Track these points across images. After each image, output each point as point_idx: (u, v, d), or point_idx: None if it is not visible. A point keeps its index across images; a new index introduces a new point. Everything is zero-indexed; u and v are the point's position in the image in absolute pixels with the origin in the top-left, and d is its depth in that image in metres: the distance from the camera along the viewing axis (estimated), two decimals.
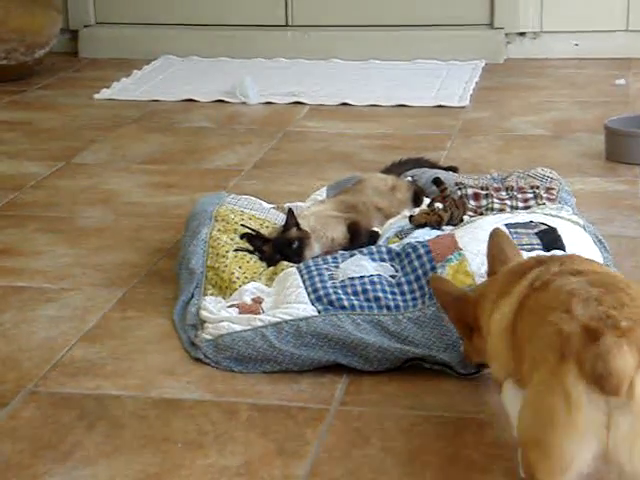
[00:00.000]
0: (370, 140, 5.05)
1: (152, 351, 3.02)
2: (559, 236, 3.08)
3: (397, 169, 3.98)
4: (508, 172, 3.66)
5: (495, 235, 2.62)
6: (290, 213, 3.42)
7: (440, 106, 5.60)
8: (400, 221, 3.54)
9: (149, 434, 2.61)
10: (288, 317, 2.92)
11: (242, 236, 3.42)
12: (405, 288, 3.01)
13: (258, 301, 3.08)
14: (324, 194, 3.89)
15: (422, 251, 3.08)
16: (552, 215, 3.28)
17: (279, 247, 3.34)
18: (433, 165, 4.10)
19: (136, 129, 5.40)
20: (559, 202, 3.46)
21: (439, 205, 3.47)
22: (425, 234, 3.29)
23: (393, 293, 2.98)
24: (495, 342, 2.35)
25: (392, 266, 3.10)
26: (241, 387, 2.82)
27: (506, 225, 3.11)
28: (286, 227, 3.40)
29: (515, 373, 2.24)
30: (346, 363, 2.82)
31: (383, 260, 3.13)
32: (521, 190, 3.54)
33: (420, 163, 4.08)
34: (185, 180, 4.55)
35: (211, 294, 3.18)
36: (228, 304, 3.09)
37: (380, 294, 2.96)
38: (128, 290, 3.43)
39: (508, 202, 3.49)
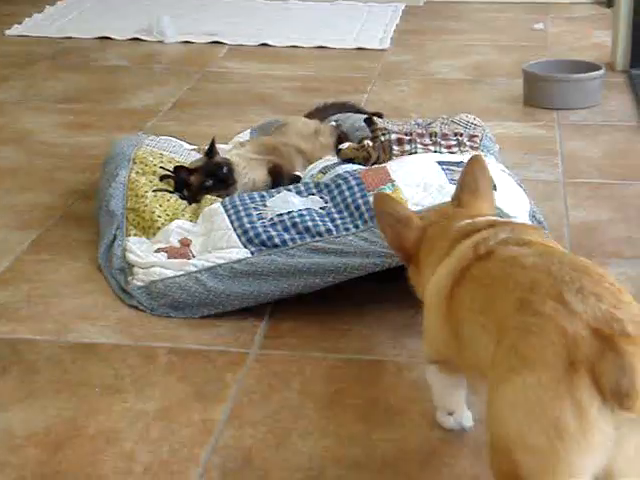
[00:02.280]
0: (290, 82, 5.00)
1: (68, 295, 2.97)
2: (490, 176, 3.02)
3: (321, 114, 3.91)
4: (432, 118, 3.63)
5: (474, 161, 2.42)
6: (213, 142, 3.38)
7: (361, 48, 5.58)
8: (324, 162, 3.48)
9: (65, 379, 2.56)
10: (222, 261, 2.88)
11: (162, 178, 3.36)
12: (336, 216, 2.97)
13: (186, 243, 3.03)
14: (247, 137, 3.81)
15: (353, 182, 3.05)
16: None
17: (209, 172, 3.30)
18: (357, 110, 4.03)
19: (50, 67, 5.26)
20: (482, 150, 3.42)
21: (369, 142, 3.46)
22: (353, 168, 3.24)
23: (323, 221, 2.95)
24: (429, 313, 2.22)
25: (321, 198, 3.06)
26: (159, 331, 2.79)
27: (437, 162, 3.11)
28: (210, 155, 3.37)
29: (449, 350, 2.15)
30: (286, 293, 2.80)
31: (312, 194, 3.09)
32: (444, 137, 3.51)
33: (345, 108, 4.01)
34: (101, 120, 4.45)
35: (134, 235, 3.12)
36: (155, 248, 3.03)
37: (310, 224, 2.93)
38: (42, 232, 3.35)
39: (432, 148, 3.46)
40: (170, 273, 2.89)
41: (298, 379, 2.57)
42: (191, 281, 2.85)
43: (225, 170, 3.31)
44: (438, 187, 2.98)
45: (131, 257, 3.00)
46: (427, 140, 3.53)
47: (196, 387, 2.53)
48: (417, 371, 2.58)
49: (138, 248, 3.04)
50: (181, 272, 2.88)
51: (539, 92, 4.49)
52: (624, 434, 1.72)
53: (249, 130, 3.91)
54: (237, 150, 3.52)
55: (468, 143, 3.48)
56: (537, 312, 1.81)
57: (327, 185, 3.10)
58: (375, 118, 3.60)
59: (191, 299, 2.83)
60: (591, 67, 4.53)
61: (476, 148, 3.45)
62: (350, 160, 3.38)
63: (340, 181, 3.08)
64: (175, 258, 2.96)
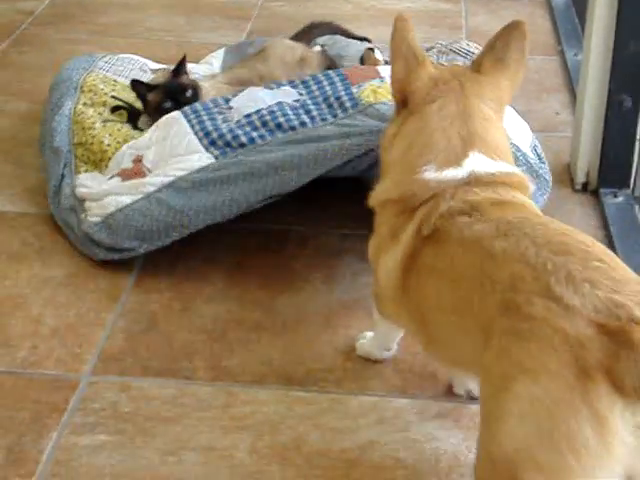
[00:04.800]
0: None
1: None
2: None
3: (307, 36, 3.38)
4: (430, 44, 3.34)
5: (513, 25, 2.02)
6: (182, 60, 2.92)
7: None
8: None
9: None
10: (181, 172, 2.51)
11: (113, 110, 2.94)
12: (311, 107, 2.59)
13: (138, 159, 2.63)
14: (221, 57, 3.38)
15: (336, 78, 2.67)
16: None
17: (171, 93, 2.83)
18: (345, 33, 3.52)
19: None
20: None
21: None
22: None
23: (297, 114, 2.56)
24: (379, 280, 2.01)
25: (296, 91, 2.67)
26: None
27: None
28: (176, 73, 2.89)
29: (408, 326, 2.01)
30: (262, 196, 2.48)
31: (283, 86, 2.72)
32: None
33: (332, 29, 3.50)
34: None
35: (85, 171, 2.74)
36: (108, 177, 2.65)
37: (281, 120, 2.55)
38: None
39: None
40: (127, 199, 2.52)
41: (204, 247, 2.63)
42: (152, 204, 2.48)
43: (189, 93, 2.84)
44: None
45: (82, 191, 2.63)
46: None
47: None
48: (321, 240, 2.66)
49: (90, 182, 2.67)
50: (139, 195, 2.51)
51: None
52: None
53: (223, 50, 3.44)
54: (207, 82, 3.02)
55: None
56: (527, 315, 1.57)
57: (305, 81, 2.70)
58: (356, 49, 3.26)
59: (156, 224, 2.47)
60: None
61: None
62: None
63: (321, 77, 2.69)
64: (130, 179, 2.59)
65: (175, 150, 2.56)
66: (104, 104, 2.94)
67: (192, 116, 2.62)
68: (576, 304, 1.53)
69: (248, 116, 2.58)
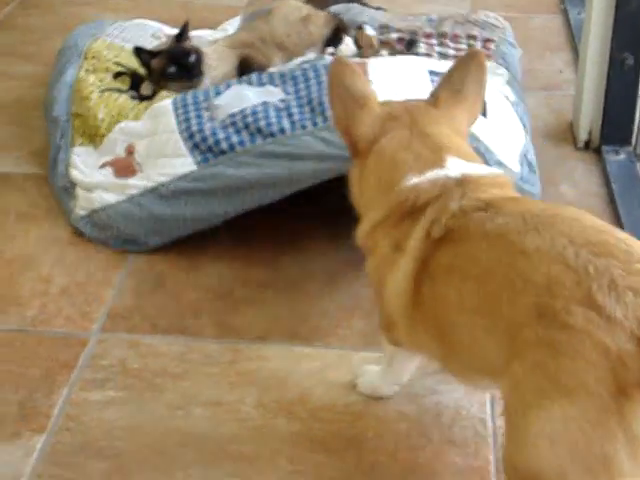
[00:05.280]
0: None
1: None
2: (485, 101, 2.49)
3: (321, 3, 3.33)
4: (448, 15, 3.26)
5: (470, 56, 1.94)
6: (185, 26, 2.96)
7: None
8: (305, 59, 3.01)
9: None
10: (164, 178, 2.51)
11: (116, 75, 2.95)
12: (294, 110, 2.54)
13: (131, 151, 2.63)
14: (236, 24, 3.35)
15: (325, 77, 2.53)
16: None
17: (174, 57, 2.87)
18: (361, 2, 3.49)
19: None
20: (496, 60, 2.98)
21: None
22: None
23: (279, 117, 2.53)
24: (392, 306, 1.83)
25: (284, 90, 2.62)
26: None
27: (429, 71, 2.63)
28: (179, 39, 2.94)
29: (421, 349, 1.86)
30: (240, 209, 2.48)
31: (273, 84, 2.65)
32: (455, 39, 3.10)
33: None
34: None
35: (80, 144, 2.73)
36: (101, 162, 2.64)
37: (262, 123, 2.51)
38: None
39: (437, 49, 3.06)
40: (111, 199, 2.53)
41: None
42: (135, 207, 2.50)
43: (192, 58, 2.87)
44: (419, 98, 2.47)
45: (74, 174, 2.63)
46: (434, 41, 3.11)
47: None
48: (326, 198, 2.68)
49: (83, 162, 2.66)
50: (123, 197, 2.52)
51: None
52: None
53: (239, 16, 3.40)
54: (210, 47, 3.05)
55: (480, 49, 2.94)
56: (565, 325, 1.47)
57: (294, 77, 2.64)
58: (369, 18, 3.17)
59: (138, 229, 2.50)
60: None
61: (489, 56, 2.97)
62: None
63: (311, 73, 2.63)
64: (121, 174, 2.58)
65: (163, 149, 2.56)
66: (106, 70, 2.94)
67: (180, 110, 2.60)
68: (618, 315, 1.44)
69: (232, 115, 2.55)
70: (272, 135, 2.49)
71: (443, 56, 3.03)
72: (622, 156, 2.85)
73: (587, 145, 2.93)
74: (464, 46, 3.05)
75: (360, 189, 1.90)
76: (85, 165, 2.64)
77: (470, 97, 1.90)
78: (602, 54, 2.83)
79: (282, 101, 2.57)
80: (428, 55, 3.02)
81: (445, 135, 1.83)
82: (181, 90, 2.78)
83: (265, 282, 2.39)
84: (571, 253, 1.51)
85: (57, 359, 2.15)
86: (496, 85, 2.75)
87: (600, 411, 1.43)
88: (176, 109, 2.61)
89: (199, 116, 2.58)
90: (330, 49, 3.07)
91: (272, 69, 2.82)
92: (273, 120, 2.51)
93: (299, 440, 1.95)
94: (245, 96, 2.60)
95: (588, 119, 2.91)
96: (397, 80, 2.54)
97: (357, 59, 2.66)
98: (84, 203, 2.55)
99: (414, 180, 1.77)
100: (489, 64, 2.76)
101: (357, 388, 2.07)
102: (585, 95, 2.89)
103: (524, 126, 2.69)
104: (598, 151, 2.90)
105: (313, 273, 2.42)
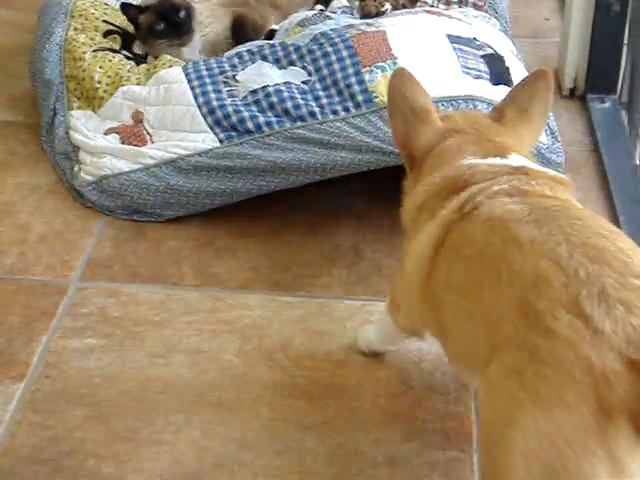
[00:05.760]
0: None
1: None
2: (507, 68, 2.48)
3: None
4: None
5: (539, 76, 1.86)
6: None
7: None
8: (302, 15, 2.85)
9: None
10: (184, 152, 2.40)
11: (105, 34, 2.79)
12: (321, 94, 2.41)
13: (138, 119, 2.49)
14: None
15: (345, 52, 2.44)
16: (487, 31, 2.67)
17: (163, 13, 2.71)
18: None
19: None
20: (487, 10, 2.89)
21: None
22: (340, 22, 2.65)
23: (306, 101, 2.39)
24: (404, 279, 1.80)
25: (303, 68, 2.48)
26: None
27: (448, 37, 2.49)
28: None
29: (428, 329, 1.79)
30: (264, 190, 2.37)
31: (292, 63, 2.49)
32: None
33: None
34: None
35: (78, 108, 2.60)
36: (106, 129, 2.51)
37: (289, 104, 2.38)
38: None
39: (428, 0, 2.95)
40: (124, 166, 2.42)
41: None
42: (150, 177, 2.39)
43: (182, 14, 2.72)
44: (449, 76, 2.39)
45: (77, 137, 2.50)
46: None
47: None
48: None
49: (84, 125, 2.53)
50: (137, 165, 2.41)
51: None
52: None
53: None
54: (202, 4, 2.91)
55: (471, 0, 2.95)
56: (549, 331, 1.38)
57: (311, 51, 2.49)
58: None
59: (153, 199, 2.39)
60: None
61: (480, 7, 2.91)
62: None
63: (327, 47, 2.47)
64: (130, 142, 2.46)
65: (179, 123, 2.44)
66: (96, 29, 2.79)
67: (195, 82, 2.46)
68: (606, 329, 1.35)
69: (254, 92, 2.43)
70: (302, 119, 2.36)
71: (435, 4, 2.94)
72: (607, 104, 2.83)
73: (572, 93, 2.91)
74: None
75: (412, 190, 1.80)
76: (87, 129, 2.52)
77: (536, 117, 1.84)
78: (588, 0, 2.80)
79: (305, 82, 2.44)
80: (416, 1, 2.91)
81: (512, 143, 1.77)
82: (170, 48, 2.70)
83: (246, 232, 2.38)
84: (564, 251, 1.44)
85: (36, 307, 2.13)
86: (500, 38, 2.66)
87: (579, 429, 1.32)
88: (190, 80, 2.47)
89: (218, 90, 2.44)
90: (318, 6, 2.92)
91: (285, 40, 2.63)
92: (300, 102, 2.38)
93: (280, 388, 1.95)
94: (266, 74, 2.47)
95: (573, 67, 2.88)
96: (423, 53, 2.42)
97: (373, 28, 2.50)
98: (91, 169, 2.43)
99: (475, 161, 1.71)
100: (481, 14, 2.79)
101: (355, 342, 2.04)
102: (571, 42, 2.86)
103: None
104: (583, 99, 2.87)
105: (295, 223, 2.41)
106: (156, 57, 2.70)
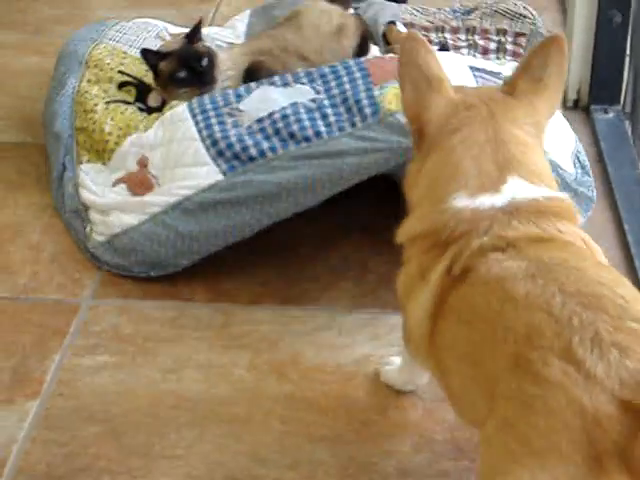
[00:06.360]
0: None
1: None
2: None
3: (343, 1, 2.94)
4: (473, 5, 3.07)
5: (551, 41, 1.74)
6: (198, 24, 2.66)
7: None
8: None
9: None
10: (188, 191, 2.30)
11: (120, 85, 2.70)
12: (328, 111, 2.32)
13: (143, 164, 2.42)
14: (246, 20, 3.06)
15: (358, 73, 2.37)
16: None
17: (185, 61, 2.56)
18: None
19: None
20: None
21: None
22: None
23: (312, 119, 2.31)
24: (412, 328, 1.71)
25: (313, 88, 2.39)
26: None
27: (470, 67, 2.42)
28: (190, 39, 2.63)
29: (437, 378, 1.70)
30: (275, 218, 2.28)
31: (301, 83, 2.41)
32: (484, 34, 2.91)
33: None
34: None
35: (87, 161, 2.54)
36: (113, 180, 2.45)
37: (295, 128, 2.30)
38: None
39: (464, 50, 2.88)
40: (133, 220, 2.33)
41: None
42: (158, 227, 2.30)
43: (205, 62, 2.57)
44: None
45: (86, 196, 2.44)
46: (462, 37, 2.91)
47: None
48: None
49: (93, 181, 2.47)
50: (145, 217, 2.33)
51: None
52: None
53: (248, 11, 3.10)
54: (224, 53, 2.72)
55: (510, 48, 2.90)
56: (540, 377, 1.34)
57: (323, 75, 2.40)
58: (392, 14, 2.88)
59: (164, 250, 2.30)
60: None
61: (519, 55, 2.86)
62: None
63: (341, 70, 2.39)
64: (136, 190, 2.39)
65: (182, 159, 2.35)
66: (110, 80, 2.69)
67: (200, 117, 2.37)
68: (599, 373, 1.30)
69: (260, 121, 2.33)
70: (307, 140, 2.28)
71: (471, 53, 2.89)
72: (611, 115, 2.85)
73: (576, 104, 2.93)
74: (493, 45, 2.91)
75: (415, 181, 1.73)
76: (95, 184, 2.45)
77: (551, 86, 1.72)
78: (590, 12, 2.82)
79: (313, 101, 2.34)
80: (457, 51, 2.87)
81: (520, 144, 1.67)
82: (190, 98, 2.53)
83: (256, 246, 2.39)
84: (558, 302, 1.39)
85: (49, 326, 2.16)
86: None
87: (573, 478, 1.28)
88: (194, 115, 2.39)
89: (222, 122, 2.35)
90: None
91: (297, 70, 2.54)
92: (307, 123, 2.29)
93: (291, 401, 1.97)
94: (272, 99, 2.37)
95: (577, 78, 2.91)
96: None
97: (392, 54, 2.45)
98: (102, 228, 2.36)
99: (460, 203, 1.61)
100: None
101: (380, 376, 2.00)
102: (574, 54, 2.88)
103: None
104: (587, 110, 2.89)
105: (303, 237, 2.43)
106: None
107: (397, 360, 2.01)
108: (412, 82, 1.72)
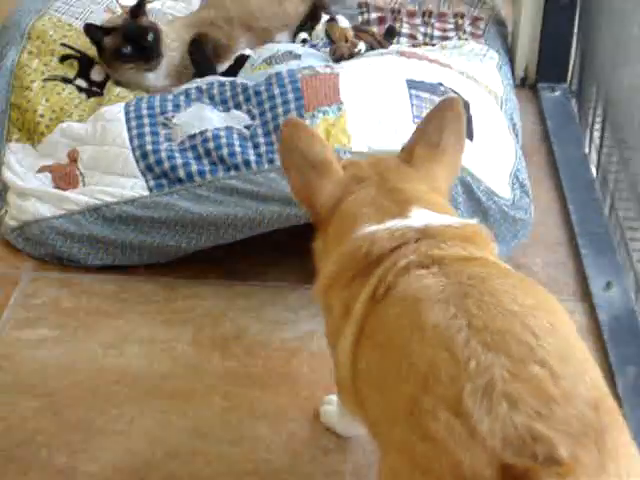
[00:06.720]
0: None
1: None
2: (470, 117, 2.33)
3: None
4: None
5: (447, 105, 1.68)
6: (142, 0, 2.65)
7: None
8: (277, 47, 2.73)
9: None
10: (110, 199, 2.28)
11: (62, 59, 2.65)
12: (261, 140, 2.31)
13: (73, 158, 2.38)
14: None
15: (291, 95, 2.34)
16: (468, 75, 2.53)
17: (130, 35, 2.56)
18: None
19: None
20: (486, 41, 2.85)
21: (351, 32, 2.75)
22: (304, 63, 2.56)
23: (243, 147, 2.30)
24: (342, 381, 1.57)
25: (248, 111, 2.38)
26: None
27: (407, 82, 2.38)
28: (134, 14, 2.61)
29: (359, 413, 1.53)
30: (192, 246, 2.23)
31: (238, 105, 2.40)
32: (441, 17, 2.94)
33: None
34: None
35: (17, 140, 2.50)
36: (40, 166, 2.40)
37: (225, 152, 2.28)
38: None
39: (421, 29, 2.91)
40: (46, 212, 2.29)
41: None
42: (72, 225, 2.27)
43: (150, 37, 2.58)
44: (396, 126, 2.27)
45: (7, 176, 2.39)
46: (417, 20, 2.93)
47: None
48: None
49: (19, 161, 2.43)
50: (60, 211, 2.28)
51: None
52: None
53: None
54: (168, 26, 2.75)
55: (468, 29, 2.92)
56: (428, 434, 1.21)
57: (258, 93, 2.39)
58: (332, 20, 2.87)
59: (77, 247, 2.25)
60: None
61: (478, 37, 2.88)
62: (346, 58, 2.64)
63: (275, 89, 2.37)
64: (59, 183, 2.35)
65: (112, 166, 2.32)
66: (52, 53, 2.65)
67: (134, 123, 2.36)
68: (484, 430, 1.17)
69: (192, 137, 2.33)
70: (236, 168, 2.26)
71: (428, 37, 2.89)
72: (558, 93, 2.87)
73: (523, 82, 2.94)
74: (451, 26, 2.91)
75: (326, 256, 1.60)
76: (21, 165, 2.41)
77: (449, 151, 1.65)
78: None
79: (247, 128, 2.34)
80: (412, 37, 2.86)
81: (417, 190, 1.59)
82: (136, 72, 2.58)
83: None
84: (461, 339, 1.26)
85: None
86: (486, 69, 2.61)
87: None
88: (128, 119, 2.37)
89: (155, 133, 2.34)
90: (303, 34, 2.83)
91: (236, 79, 2.51)
92: (237, 150, 2.28)
93: (234, 377, 1.96)
94: (207, 118, 2.36)
95: (524, 56, 2.92)
96: (373, 97, 2.32)
97: (328, 70, 2.42)
98: (16, 212, 2.32)
99: (371, 228, 1.52)
100: (479, 45, 2.72)
101: (320, 417, 1.89)
102: (521, 32, 2.89)
103: (514, 127, 2.50)
104: (534, 88, 2.91)
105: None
106: (117, 83, 2.60)
107: (335, 399, 1.84)
108: (296, 169, 1.64)
